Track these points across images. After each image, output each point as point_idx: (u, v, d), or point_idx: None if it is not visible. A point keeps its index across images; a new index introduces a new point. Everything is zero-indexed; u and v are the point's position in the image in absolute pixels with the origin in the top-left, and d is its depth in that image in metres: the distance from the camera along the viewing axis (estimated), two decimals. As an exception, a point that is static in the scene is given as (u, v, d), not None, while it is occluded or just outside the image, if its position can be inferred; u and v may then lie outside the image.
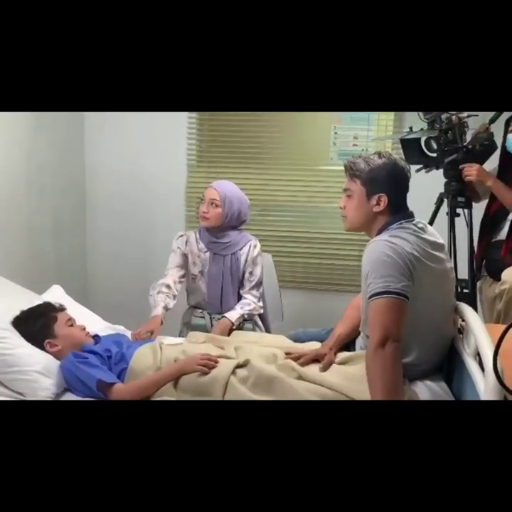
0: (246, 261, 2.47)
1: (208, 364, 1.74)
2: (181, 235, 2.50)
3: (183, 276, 2.48)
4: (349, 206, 1.79)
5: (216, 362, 1.76)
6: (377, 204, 1.73)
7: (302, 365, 1.79)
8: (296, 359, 1.82)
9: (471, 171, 2.32)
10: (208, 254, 2.45)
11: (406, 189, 1.79)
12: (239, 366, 1.75)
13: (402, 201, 1.78)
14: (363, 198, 1.75)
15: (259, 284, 2.51)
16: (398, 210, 1.75)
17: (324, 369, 1.77)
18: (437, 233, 1.79)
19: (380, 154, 1.77)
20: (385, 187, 1.72)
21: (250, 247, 2.48)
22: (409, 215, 1.76)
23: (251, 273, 2.48)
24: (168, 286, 2.40)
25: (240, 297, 2.48)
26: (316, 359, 1.83)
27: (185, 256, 2.47)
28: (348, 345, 1.97)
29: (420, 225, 1.73)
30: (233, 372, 1.73)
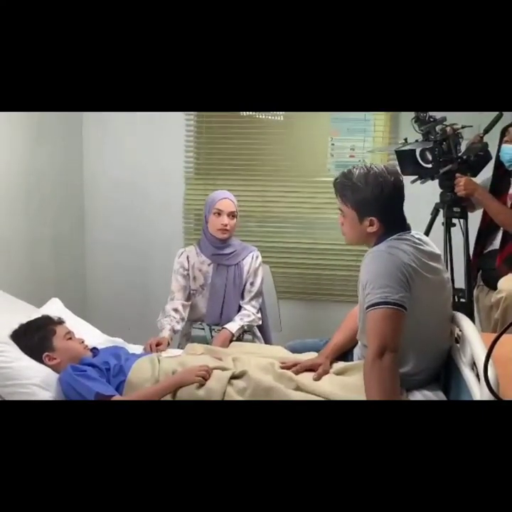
0: (248, 271, 2.48)
1: (206, 375, 1.75)
2: (182, 253, 2.52)
3: (189, 298, 2.49)
4: (345, 225, 1.80)
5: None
6: (370, 225, 1.74)
7: (296, 372, 1.81)
8: (290, 368, 1.83)
9: (459, 186, 2.34)
10: (211, 266, 2.46)
11: (400, 203, 1.76)
12: (236, 377, 1.76)
13: (398, 217, 1.77)
14: (356, 221, 1.75)
15: (258, 295, 2.52)
16: (394, 226, 1.74)
17: (318, 378, 1.78)
18: (433, 244, 1.81)
19: (367, 174, 1.70)
20: (376, 211, 1.71)
21: (253, 257, 2.50)
22: (406, 227, 1.77)
23: (252, 283, 2.49)
24: (176, 310, 2.42)
25: (239, 308, 2.50)
26: (311, 369, 1.83)
27: (187, 275, 2.48)
28: (346, 354, 1.98)
29: (417, 236, 1.74)
30: (231, 384, 1.73)
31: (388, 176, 1.71)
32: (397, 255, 1.63)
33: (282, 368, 1.84)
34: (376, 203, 1.70)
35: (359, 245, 1.88)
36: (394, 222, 1.75)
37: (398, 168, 2.51)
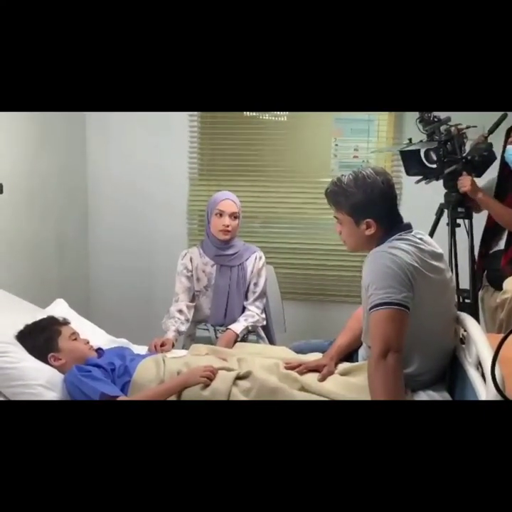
0: (252, 272, 2.48)
1: (211, 376, 1.75)
2: (185, 254, 2.52)
3: (193, 299, 2.50)
4: (343, 232, 1.81)
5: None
6: (368, 228, 1.74)
7: (301, 373, 1.80)
8: (294, 368, 1.83)
9: (464, 181, 2.34)
10: (214, 267, 2.47)
11: (393, 202, 1.77)
12: (241, 378, 1.76)
13: (393, 215, 1.77)
14: (353, 226, 1.76)
15: (262, 296, 2.52)
16: (392, 226, 1.75)
17: (323, 379, 1.78)
18: (435, 243, 1.80)
19: (356, 178, 1.72)
20: (371, 212, 1.72)
21: (256, 258, 2.50)
22: (406, 226, 1.77)
23: (255, 284, 2.49)
24: (180, 311, 2.41)
25: (243, 309, 2.50)
26: (316, 369, 1.83)
27: (190, 276, 2.48)
28: (350, 355, 1.98)
29: (419, 236, 1.74)
30: (236, 384, 1.73)
31: (377, 177, 1.72)
32: (398, 255, 1.63)
33: (286, 368, 1.84)
34: (369, 204, 1.71)
35: (361, 251, 1.86)
36: (391, 222, 1.75)
37: (402, 168, 2.53)
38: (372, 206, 1.71)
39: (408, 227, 1.76)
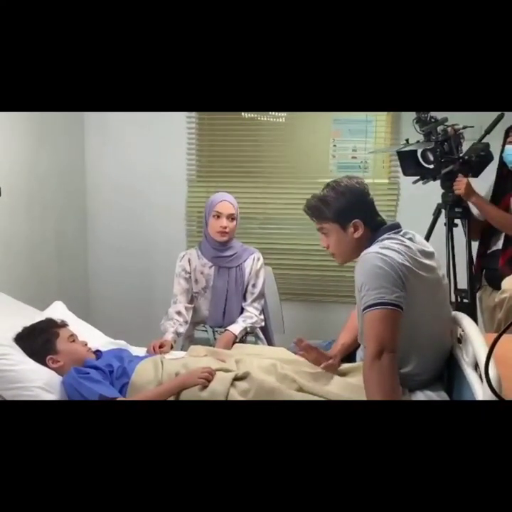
0: (250, 273, 2.49)
1: (209, 377, 1.75)
2: (183, 256, 2.52)
3: (191, 301, 2.50)
4: (331, 243, 1.82)
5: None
6: (356, 230, 1.75)
7: (304, 349, 1.86)
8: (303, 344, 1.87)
9: (460, 184, 2.35)
10: (212, 269, 2.47)
11: (372, 203, 1.81)
12: (239, 379, 1.76)
13: (376, 215, 1.80)
14: (340, 232, 1.78)
15: (260, 297, 2.52)
16: (378, 225, 1.77)
17: (325, 367, 1.81)
18: (426, 242, 1.81)
19: (329, 187, 1.79)
20: (355, 213, 1.75)
21: (254, 259, 2.51)
22: (395, 226, 1.78)
23: (253, 285, 2.49)
24: (179, 313, 2.42)
25: (242, 310, 2.50)
26: (319, 358, 1.86)
27: (189, 278, 2.49)
28: (349, 356, 1.98)
29: (408, 235, 1.74)
30: (234, 385, 1.74)
31: (350, 180, 1.79)
32: (389, 255, 1.63)
33: (295, 342, 1.88)
34: (351, 204, 1.75)
35: (352, 260, 1.86)
36: (376, 222, 1.78)
37: (400, 169, 2.53)
38: (355, 206, 1.75)
39: (397, 227, 1.77)
